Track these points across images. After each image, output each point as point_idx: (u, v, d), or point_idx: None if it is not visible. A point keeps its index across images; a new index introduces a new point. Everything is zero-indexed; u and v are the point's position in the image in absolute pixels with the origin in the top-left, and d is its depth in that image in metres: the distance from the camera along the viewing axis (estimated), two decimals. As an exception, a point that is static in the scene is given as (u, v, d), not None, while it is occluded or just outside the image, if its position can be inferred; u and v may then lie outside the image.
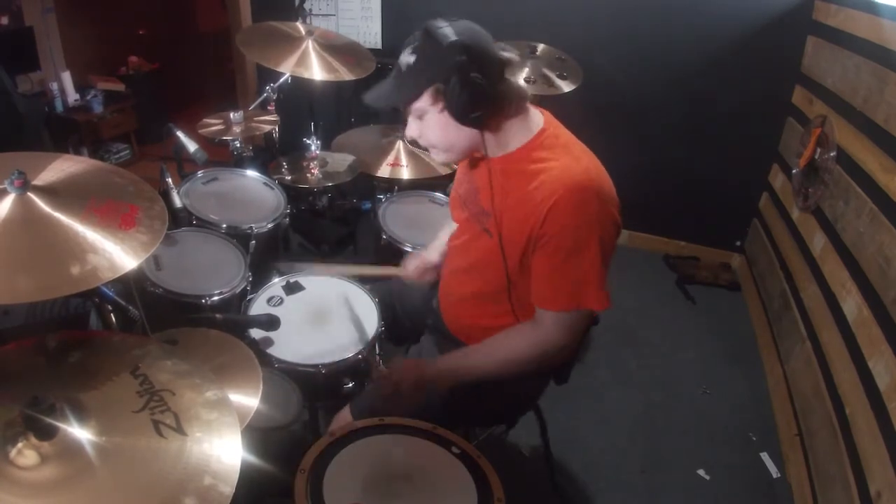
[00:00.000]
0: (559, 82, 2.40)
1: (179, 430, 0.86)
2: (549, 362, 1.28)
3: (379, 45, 3.34)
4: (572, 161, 1.20)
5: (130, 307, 1.28)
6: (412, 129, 1.26)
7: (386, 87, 1.22)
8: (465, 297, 1.42)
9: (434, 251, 1.63)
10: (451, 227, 1.62)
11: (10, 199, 0.96)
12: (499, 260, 1.27)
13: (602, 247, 1.17)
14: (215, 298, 1.66)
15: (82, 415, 0.85)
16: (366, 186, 2.70)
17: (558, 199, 1.15)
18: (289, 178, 2.28)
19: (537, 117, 1.27)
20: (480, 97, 1.14)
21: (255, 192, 2.14)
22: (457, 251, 1.44)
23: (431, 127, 1.22)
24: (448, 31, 1.12)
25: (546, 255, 1.20)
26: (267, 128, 2.29)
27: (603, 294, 1.20)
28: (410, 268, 1.63)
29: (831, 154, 2.24)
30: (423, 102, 1.19)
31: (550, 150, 1.22)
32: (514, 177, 1.23)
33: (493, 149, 1.25)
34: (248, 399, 1.20)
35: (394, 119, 3.18)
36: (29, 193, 0.97)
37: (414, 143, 1.54)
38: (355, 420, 1.26)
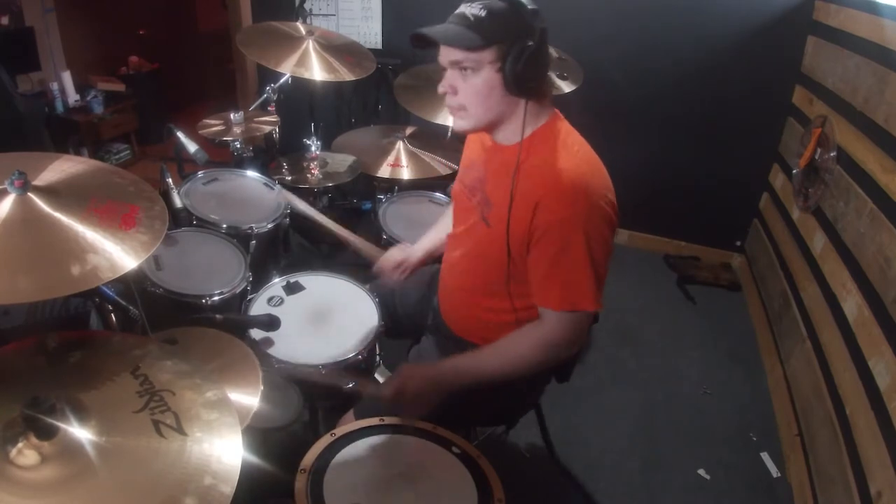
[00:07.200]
0: (559, 82, 2.40)
1: (179, 430, 0.86)
2: (556, 361, 1.27)
3: (379, 45, 3.34)
4: (567, 156, 1.18)
5: (130, 307, 1.28)
6: (452, 80, 1.19)
7: (452, 29, 1.15)
8: (462, 289, 1.41)
9: (420, 249, 1.60)
10: (444, 223, 1.61)
11: (10, 200, 0.96)
12: (495, 251, 1.25)
13: (589, 246, 1.14)
14: (215, 298, 1.66)
15: (82, 415, 0.85)
16: (366, 187, 2.70)
17: (545, 194, 1.14)
18: (289, 178, 2.28)
19: (546, 110, 1.26)
20: (543, 68, 1.16)
21: (255, 193, 2.14)
22: (455, 241, 1.43)
23: (475, 85, 1.16)
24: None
25: (538, 252, 1.19)
26: (267, 128, 2.29)
27: (595, 295, 1.17)
28: (388, 261, 1.60)
29: (831, 154, 2.24)
30: (485, 55, 1.13)
31: (548, 144, 1.21)
32: (518, 169, 1.21)
33: (528, 125, 1.21)
34: (248, 399, 1.20)
35: (394, 120, 3.20)
36: (29, 194, 0.98)
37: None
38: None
